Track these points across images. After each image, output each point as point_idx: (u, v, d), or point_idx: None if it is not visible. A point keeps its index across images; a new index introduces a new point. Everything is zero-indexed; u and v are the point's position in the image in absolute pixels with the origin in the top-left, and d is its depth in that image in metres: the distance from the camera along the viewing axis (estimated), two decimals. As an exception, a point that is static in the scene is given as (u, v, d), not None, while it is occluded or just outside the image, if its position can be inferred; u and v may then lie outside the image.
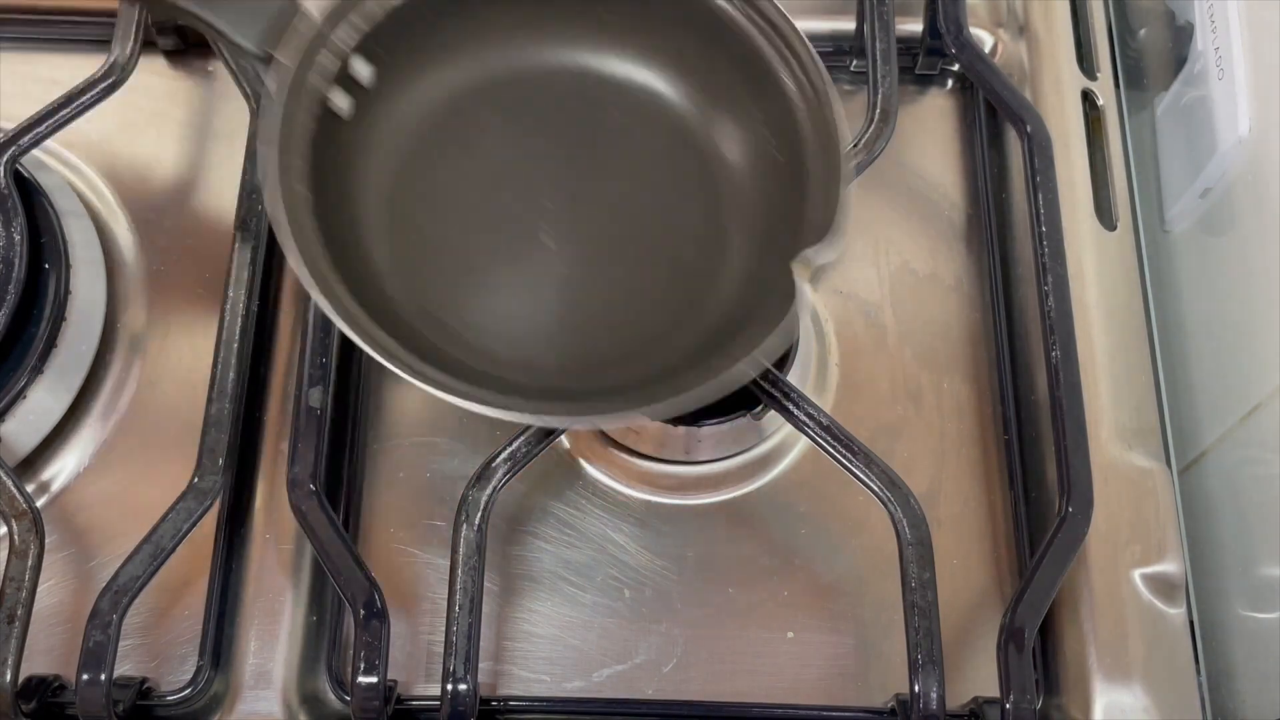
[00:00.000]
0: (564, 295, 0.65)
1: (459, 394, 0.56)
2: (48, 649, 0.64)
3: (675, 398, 0.56)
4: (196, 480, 0.62)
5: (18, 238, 0.65)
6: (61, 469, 0.68)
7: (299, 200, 0.58)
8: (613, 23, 0.68)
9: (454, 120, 0.67)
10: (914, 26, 0.78)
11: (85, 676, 0.58)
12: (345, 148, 0.63)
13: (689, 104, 0.68)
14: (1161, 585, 0.64)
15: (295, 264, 0.55)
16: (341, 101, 0.63)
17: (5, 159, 0.67)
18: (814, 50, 0.63)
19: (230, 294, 0.67)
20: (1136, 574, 0.65)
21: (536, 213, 0.66)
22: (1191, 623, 0.66)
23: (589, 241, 0.66)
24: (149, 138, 0.76)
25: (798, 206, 0.62)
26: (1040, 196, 0.69)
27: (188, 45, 0.78)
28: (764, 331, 0.57)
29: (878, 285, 0.74)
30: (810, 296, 0.57)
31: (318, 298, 0.55)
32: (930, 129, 0.78)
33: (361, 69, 0.63)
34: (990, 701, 0.62)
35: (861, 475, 0.62)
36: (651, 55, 0.68)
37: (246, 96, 0.74)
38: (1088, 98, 0.76)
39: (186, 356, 0.70)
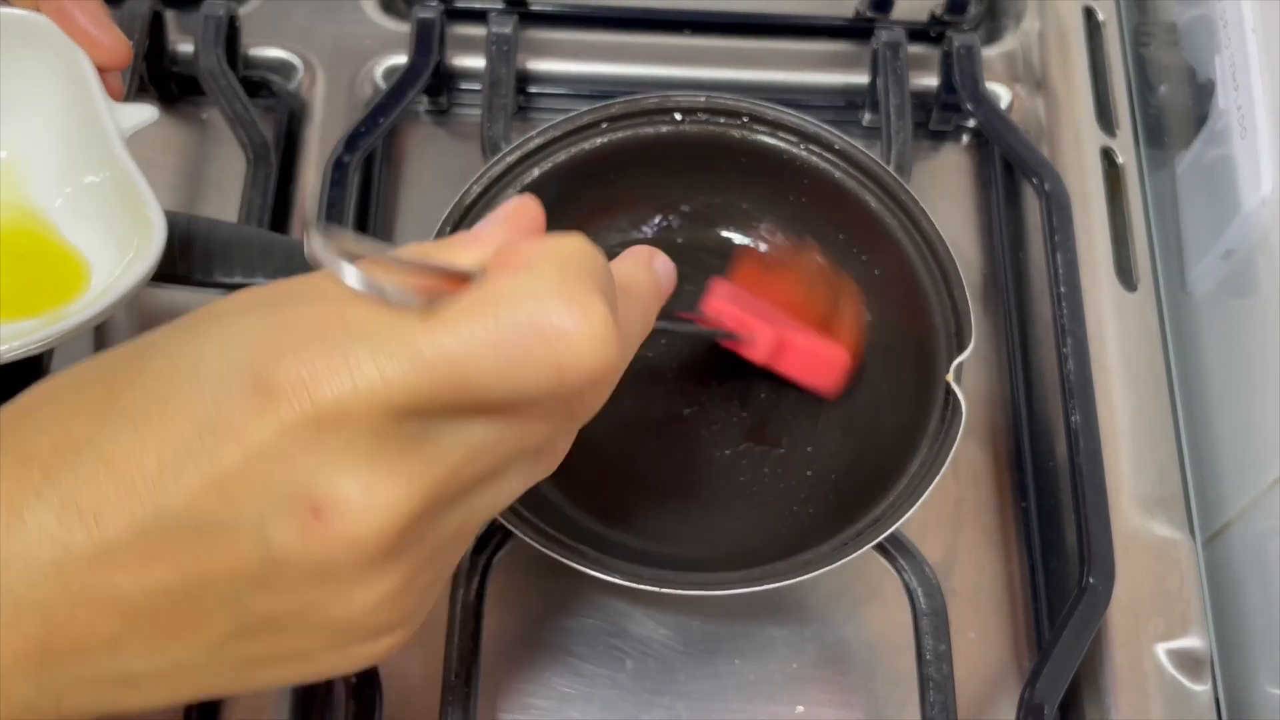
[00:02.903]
0: (743, 475, 0.67)
1: (691, 585, 0.58)
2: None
3: (883, 531, 0.58)
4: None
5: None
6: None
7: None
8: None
9: None
10: (929, 81, 0.78)
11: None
12: None
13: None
14: (1186, 660, 0.63)
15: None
16: None
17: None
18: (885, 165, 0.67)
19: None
20: (1160, 648, 0.63)
21: (688, 416, 0.68)
22: (1217, 700, 0.64)
23: (748, 419, 0.68)
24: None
25: (918, 318, 0.65)
26: (1059, 256, 0.69)
27: (181, 93, 0.77)
28: (940, 447, 0.60)
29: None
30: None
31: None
32: (945, 186, 0.78)
33: None
34: (1008, 780, 0.60)
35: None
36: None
37: (242, 145, 0.73)
38: (1107, 155, 0.76)
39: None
